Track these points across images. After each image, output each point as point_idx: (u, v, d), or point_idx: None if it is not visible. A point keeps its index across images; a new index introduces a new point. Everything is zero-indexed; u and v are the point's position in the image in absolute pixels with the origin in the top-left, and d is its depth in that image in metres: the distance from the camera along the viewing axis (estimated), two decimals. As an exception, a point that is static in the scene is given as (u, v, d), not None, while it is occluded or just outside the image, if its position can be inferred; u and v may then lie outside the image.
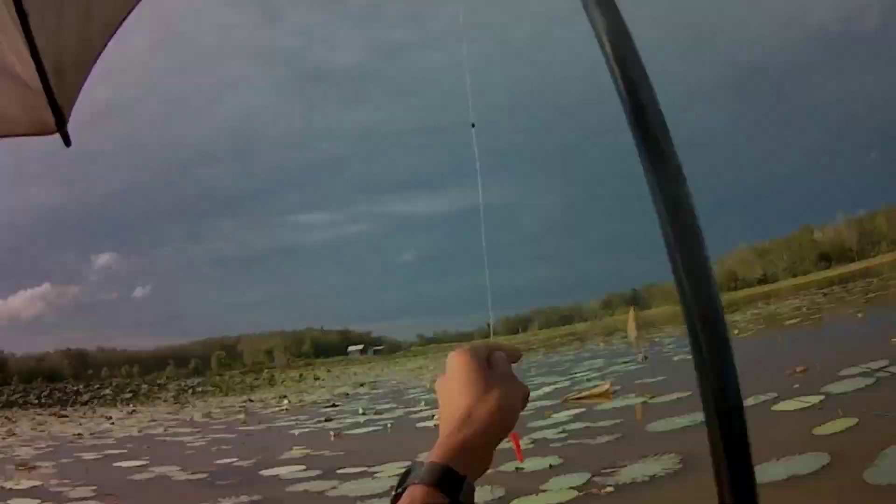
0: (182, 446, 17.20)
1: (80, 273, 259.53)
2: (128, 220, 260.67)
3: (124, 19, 1.78)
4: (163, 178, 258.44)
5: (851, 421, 7.33)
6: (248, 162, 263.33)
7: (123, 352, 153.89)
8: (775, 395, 10.06)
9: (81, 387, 66.36)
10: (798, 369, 11.79)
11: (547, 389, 19.45)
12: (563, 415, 13.50)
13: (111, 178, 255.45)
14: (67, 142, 1.81)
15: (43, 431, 23.98)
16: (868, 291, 29.42)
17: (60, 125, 1.80)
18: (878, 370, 9.46)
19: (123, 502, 9.71)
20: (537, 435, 11.51)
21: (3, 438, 20.98)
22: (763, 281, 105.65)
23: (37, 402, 46.14)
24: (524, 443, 10.36)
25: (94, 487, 10.71)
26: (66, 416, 32.59)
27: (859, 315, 20.71)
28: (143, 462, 13.90)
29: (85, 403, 41.81)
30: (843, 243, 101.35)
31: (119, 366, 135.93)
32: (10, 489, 10.73)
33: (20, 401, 47.86)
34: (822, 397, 9.09)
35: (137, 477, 11.96)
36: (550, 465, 8.90)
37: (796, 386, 10.37)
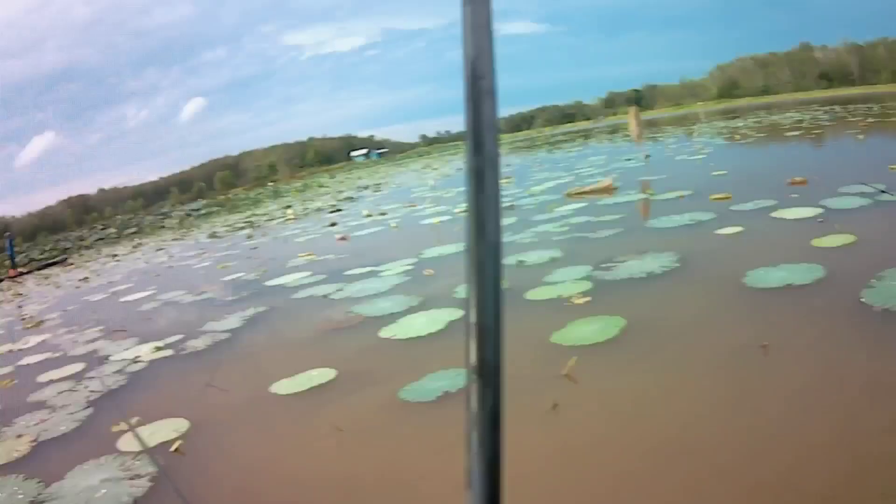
0: (189, 270, 17.56)
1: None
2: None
3: None
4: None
5: (849, 238, 7.36)
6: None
7: (125, 188, 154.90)
8: (775, 202, 10.28)
9: (85, 231, 66.79)
10: (797, 179, 11.93)
11: (550, 184, 19.74)
12: (565, 209, 13.80)
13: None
14: None
15: (49, 284, 24.03)
16: (868, 116, 28.58)
17: None
18: (876, 193, 9.34)
19: (127, 335, 9.91)
20: (540, 229, 11.83)
21: (10, 301, 21.12)
22: (765, 92, 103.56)
23: (40, 256, 46.42)
24: (528, 237, 10.94)
25: (102, 327, 11.03)
26: (72, 264, 32.02)
27: (860, 137, 20.39)
28: (150, 292, 14.23)
29: (90, 247, 41.92)
30: (843, 66, 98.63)
31: (122, 203, 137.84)
32: (20, 350, 11.05)
33: (24, 259, 48.51)
34: (820, 210, 9.17)
35: (145, 307, 12.32)
36: (552, 258, 9.29)
37: (795, 196, 10.46)
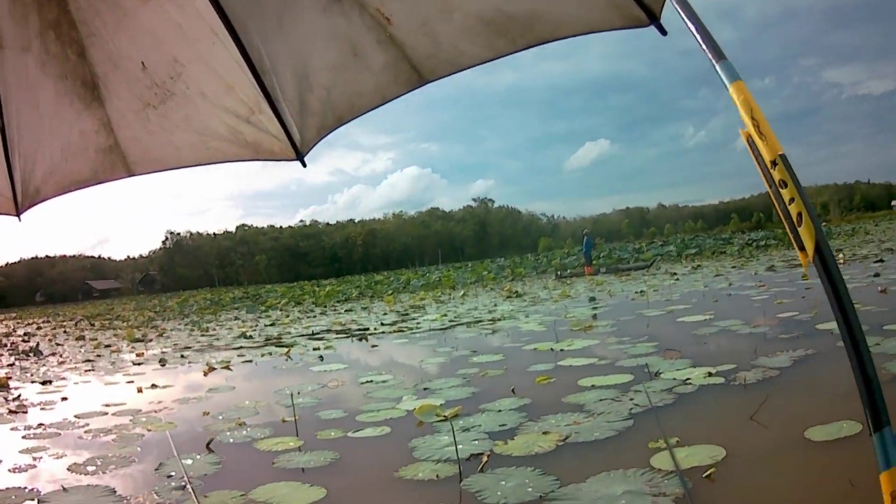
0: (746, 300, 18.42)
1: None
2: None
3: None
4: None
5: None
6: None
7: (684, 207, 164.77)
8: None
9: (643, 244, 67.16)
10: None
11: None
12: None
13: None
14: (20, 219, 3.64)
15: (600, 290, 27.55)
16: None
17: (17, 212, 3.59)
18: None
19: (679, 356, 10.80)
20: None
21: (556, 301, 24.18)
22: None
23: (596, 262, 51.58)
24: None
25: (655, 343, 12.27)
26: (628, 275, 35.56)
27: None
28: (707, 317, 15.34)
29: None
30: None
31: (682, 222, 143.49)
32: (562, 350, 12.81)
33: (573, 263, 54.18)
34: None
35: (700, 331, 13.35)
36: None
37: None
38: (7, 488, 7.25)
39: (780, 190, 1.59)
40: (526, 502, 5.52)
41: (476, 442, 7.35)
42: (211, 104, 3.33)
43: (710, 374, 9.18)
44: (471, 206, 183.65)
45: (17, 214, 3.58)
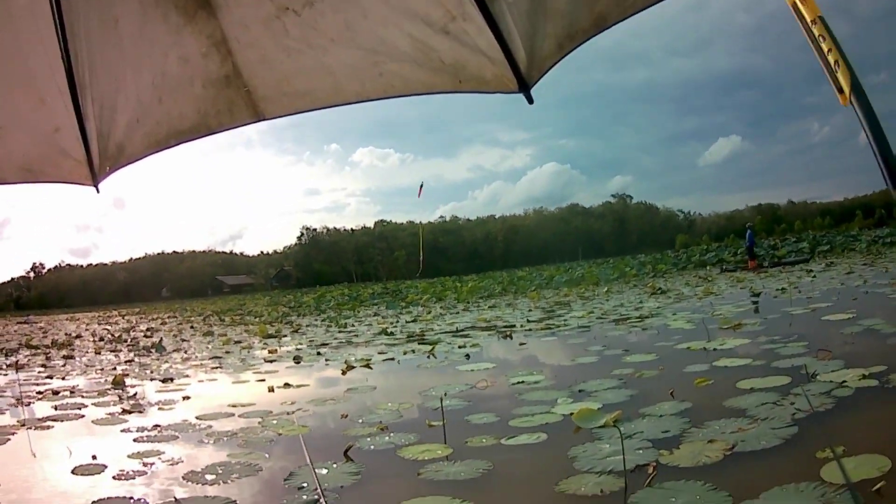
0: (883, 298, 18.25)
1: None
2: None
3: (174, 145, 2.88)
4: None
5: None
6: None
7: (813, 203, 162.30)
8: None
9: (776, 240, 66.18)
10: None
11: None
12: None
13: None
14: (98, 191, 3.03)
15: (742, 287, 28.58)
16: None
17: (94, 181, 3.00)
18: None
19: (831, 356, 10.42)
20: None
21: (700, 298, 23.33)
22: None
23: (731, 258, 55.57)
24: None
25: (805, 343, 11.95)
26: (766, 272, 37.16)
27: None
28: (850, 315, 14.90)
29: (780, 259, 44.01)
30: None
31: (811, 218, 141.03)
32: (714, 349, 12.66)
33: (713, 259, 54.48)
34: None
35: (847, 330, 12.95)
36: None
37: None
38: (108, 498, 6.85)
39: (821, 44, 1.87)
40: None
41: (640, 451, 6.98)
42: (389, 5, 2.55)
43: (863, 377, 8.88)
44: (609, 202, 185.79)
45: (95, 184, 3.01)
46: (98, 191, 2.98)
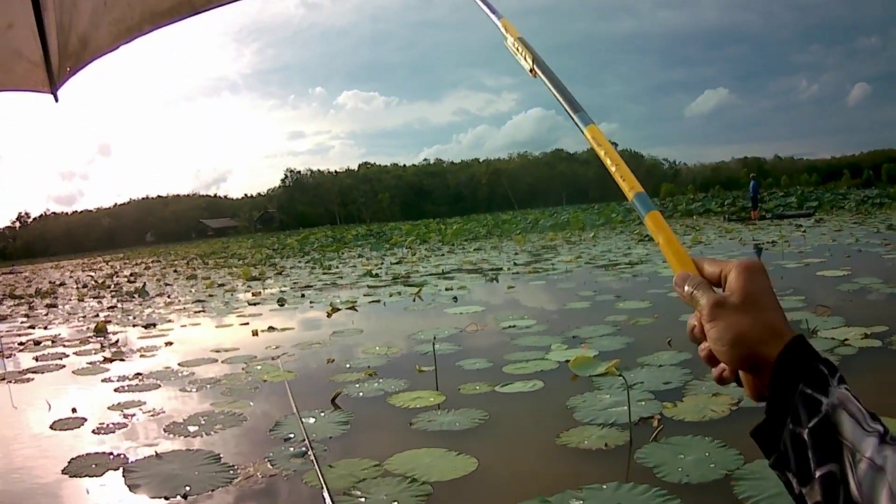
0: (876, 257, 18.02)
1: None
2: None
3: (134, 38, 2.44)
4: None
5: None
6: None
7: (799, 160, 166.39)
8: None
9: (765, 194, 67.37)
10: None
11: None
12: None
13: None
14: (56, 99, 2.59)
15: (731, 238, 28.00)
16: None
17: (52, 87, 2.54)
18: None
19: (830, 313, 10.33)
20: None
21: (690, 246, 23.38)
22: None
23: (719, 209, 56.25)
24: None
25: (802, 297, 11.83)
26: (755, 224, 37.01)
27: None
28: (845, 272, 14.80)
29: (769, 213, 43.47)
30: None
31: (797, 174, 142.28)
32: None
33: (699, 209, 57.42)
34: None
35: (843, 287, 12.83)
36: None
37: None
38: (87, 454, 6.48)
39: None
40: (711, 481, 4.97)
41: (642, 403, 6.78)
42: None
43: (865, 336, 8.77)
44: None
45: (53, 91, 2.54)
46: (56, 98, 2.53)
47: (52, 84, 2.48)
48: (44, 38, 2.36)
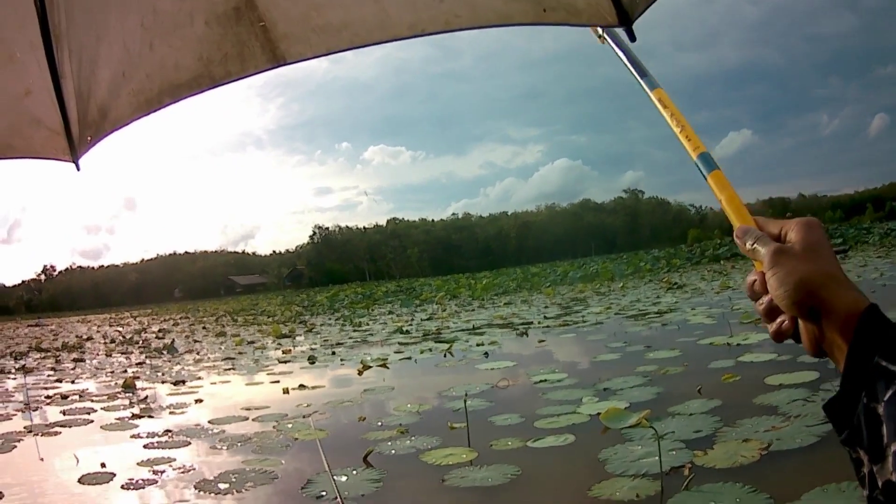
0: None
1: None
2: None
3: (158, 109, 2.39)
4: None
5: None
6: None
7: (823, 197, 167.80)
8: None
9: None
10: None
11: None
12: None
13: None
14: (78, 168, 2.50)
15: None
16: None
17: (73, 155, 2.48)
18: None
19: None
20: None
21: (717, 292, 23.20)
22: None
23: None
24: None
25: None
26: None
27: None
28: None
29: None
30: None
31: (822, 211, 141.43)
32: (738, 345, 12.46)
33: (726, 253, 57.96)
34: None
35: None
36: None
37: None
38: (115, 510, 6.50)
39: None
40: None
41: (673, 452, 6.71)
42: None
43: None
44: (621, 198, 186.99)
45: (74, 160, 2.49)
46: (78, 167, 2.47)
47: (74, 153, 2.45)
48: (63, 106, 2.35)
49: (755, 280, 1.14)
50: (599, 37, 1.76)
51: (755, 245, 1.15)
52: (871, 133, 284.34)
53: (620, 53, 1.67)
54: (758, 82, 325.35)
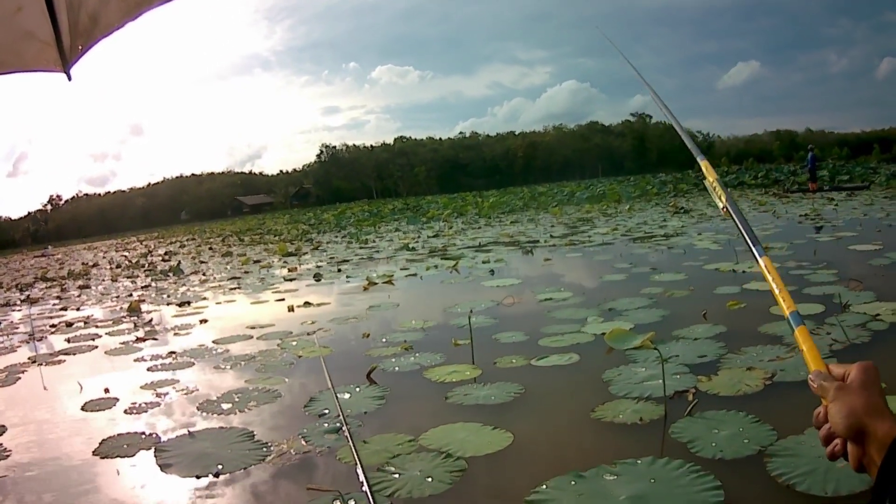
0: None
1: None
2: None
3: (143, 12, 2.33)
4: None
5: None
6: None
7: (830, 133, 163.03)
8: None
9: (798, 167, 66.67)
10: None
11: None
12: None
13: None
14: (69, 77, 2.51)
15: (764, 211, 27.71)
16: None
17: (65, 65, 2.48)
18: None
19: (862, 287, 10.03)
20: None
21: (724, 219, 23.18)
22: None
23: (752, 181, 56.39)
24: None
25: (835, 271, 11.51)
26: (787, 197, 36.24)
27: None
28: (876, 247, 14.37)
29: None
30: None
31: (829, 148, 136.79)
32: (743, 272, 12.40)
33: (734, 182, 57.44)
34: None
35: (875, 262, 12.46)
36: None
37: None
38: (119, 435, 6.50)
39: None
40: (745, 457, 4.88)
41: (677, 377, 6.70)
42: None
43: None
44: (629, 121, 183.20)
45: (66, 70, 2.48)
46: (70, 77, 2.47)
47: (65, 63, 2.44)
48: (54, 18, 2.33)
49: (820, 411, 1.37)
50: (723, 208, 1.99)
51: (823, 384, 1.37)
52: (879, 75, 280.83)
53: (740, 226, 1.82)
54: (767, 16, 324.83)
